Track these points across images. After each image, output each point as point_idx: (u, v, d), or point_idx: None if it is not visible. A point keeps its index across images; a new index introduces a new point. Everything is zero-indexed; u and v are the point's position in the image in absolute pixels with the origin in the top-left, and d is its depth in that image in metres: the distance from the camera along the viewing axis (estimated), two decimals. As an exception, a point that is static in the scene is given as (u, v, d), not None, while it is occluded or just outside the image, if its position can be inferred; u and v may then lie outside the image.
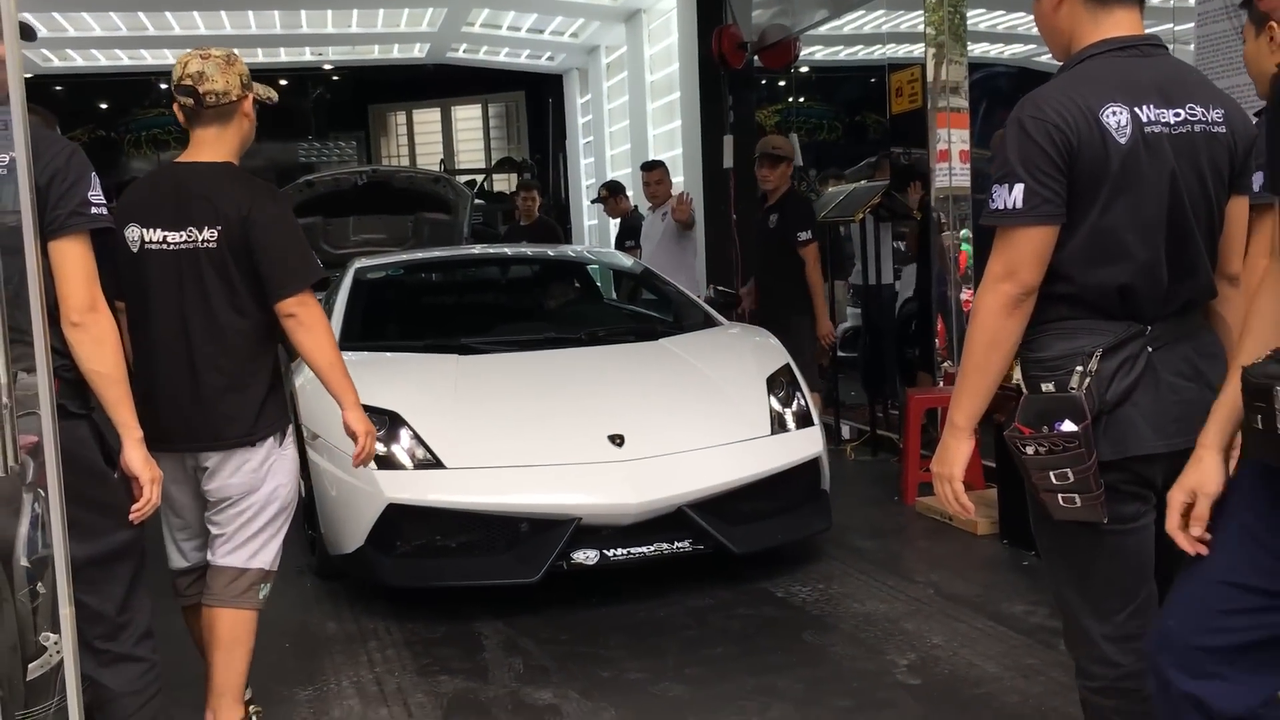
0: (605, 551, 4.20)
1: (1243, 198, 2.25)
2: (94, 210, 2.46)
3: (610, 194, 9.13)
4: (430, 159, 17.28)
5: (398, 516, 4.18)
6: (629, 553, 4.22)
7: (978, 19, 9.08)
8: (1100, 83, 2.19)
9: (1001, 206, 2.17)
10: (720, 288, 6.12)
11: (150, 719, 2.70)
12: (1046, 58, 10.38)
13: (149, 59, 13.08)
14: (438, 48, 13.28)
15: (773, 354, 5.04)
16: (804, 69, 11.79)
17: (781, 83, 12.04)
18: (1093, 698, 2.32)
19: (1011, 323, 2.18)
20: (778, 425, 4.62)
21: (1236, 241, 2.29)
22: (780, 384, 4.78)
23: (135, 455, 2.59)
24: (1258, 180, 2.07)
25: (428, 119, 17.96)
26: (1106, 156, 2.15)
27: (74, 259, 2.44)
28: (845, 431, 7.12)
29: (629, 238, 8.65)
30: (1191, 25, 4.80)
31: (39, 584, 2.70)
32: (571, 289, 6.67)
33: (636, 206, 9.35)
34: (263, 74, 3.37)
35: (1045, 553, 2.37)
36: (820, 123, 13.82)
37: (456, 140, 17.88)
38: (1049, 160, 2.15)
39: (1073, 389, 2.15)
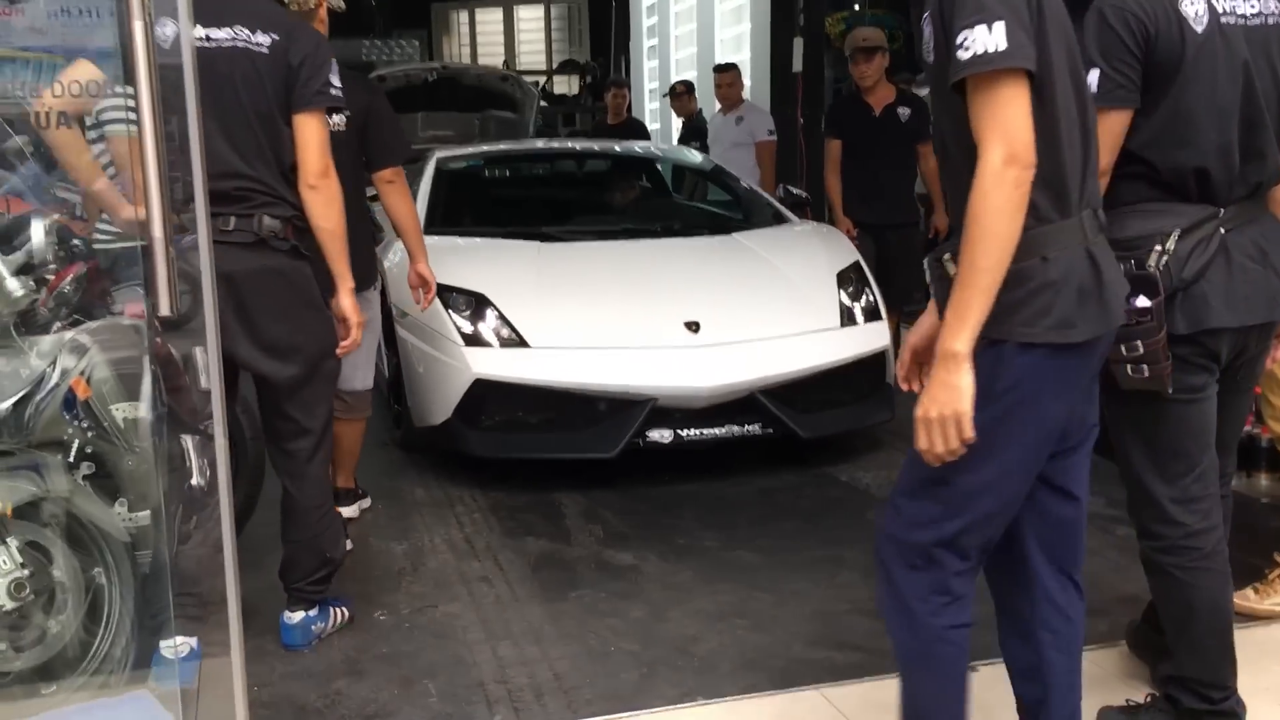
0: (679, 431, 4.41)
1: None
2: (333, 91, 2.91)
3: (686, 90, 9.19)
4: (492, 59, 17.29)
5: (484, 391, 4.41)
6: (701, 433, 4.43)
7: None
8: None
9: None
10: (790, 188, 6.22)
11: (332, 531, 3.15)
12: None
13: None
14: (504, -54, 13.25)
15: (842, 251, 5.18)
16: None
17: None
18: (1156, 556, 2.49)
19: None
20: (846, 318, 4.78)
21: None
22: (849, 279, 4.92)
23: (347, 301, 3.03)
24: None
25: (490, 19, 17.94)
26: (1184, 43, 2.26)
27: (313, 130, 2.87)
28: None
29: (693, 139, 8.74)
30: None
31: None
32: (646, 184, 6.81)
33: (701, 109, 9.44)
34: None
35: (1113, 423, 2.48)
36: (890, 32, 13.66)
37: (518, 41, 17.87)
38: (1124, 48, 2.27)
39: (1150, 267, 2.28)
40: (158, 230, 2.43)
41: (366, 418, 4.08)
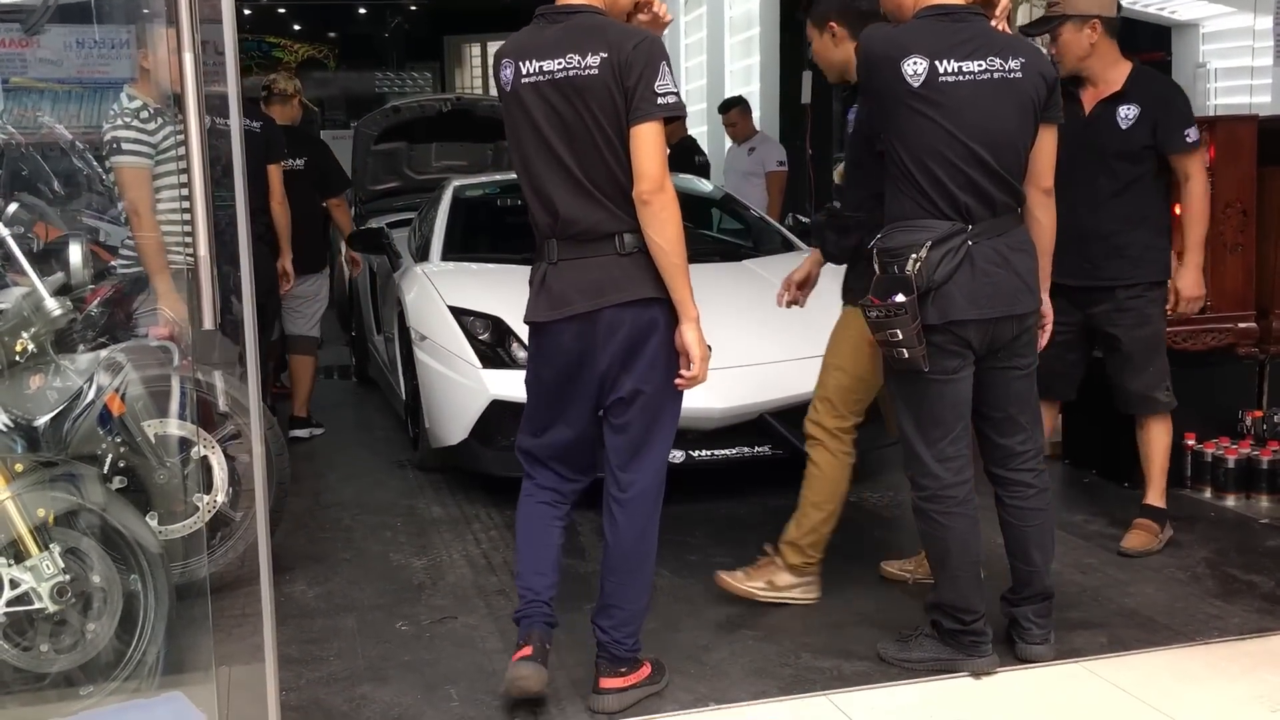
0: (691, 452, 4.52)
1: (1051, 126, 3.00)
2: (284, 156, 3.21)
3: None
4: (504, 91, 17.46)
5: (500, 412, 4.52)
6: (713, 454, 4.54)
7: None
8: (911, 35, 2.91)
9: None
10: (799, 216, 6.35)
11: None
12: (1127, 1, 10.37)
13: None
14: (517, -20, 13.46)
15: (851, 277, 5.29)
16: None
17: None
18: (920, 504, 3.06)
19: None
20: (855, 343, 4.88)
21: (1049, 160, 3.04)
22: (858, 305, 5.03)
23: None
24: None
25: (502, 51, 18.12)
26: (898, 94, 2.88)
27: (275, 174, 2.91)
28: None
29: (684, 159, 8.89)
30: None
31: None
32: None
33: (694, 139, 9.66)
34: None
35: (893, 397, 3.12)
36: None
37: (530, 73, 18.04)
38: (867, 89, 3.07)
39: (907, 272, 2.86)
40: (203, 249, 2.57)
41: (314, 357, 6.06)
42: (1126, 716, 2.83)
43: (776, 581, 3.57)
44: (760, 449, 4.60)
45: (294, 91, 6.07)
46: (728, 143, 8.52)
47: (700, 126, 11.31)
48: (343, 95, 18.45)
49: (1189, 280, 3.91)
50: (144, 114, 3.94)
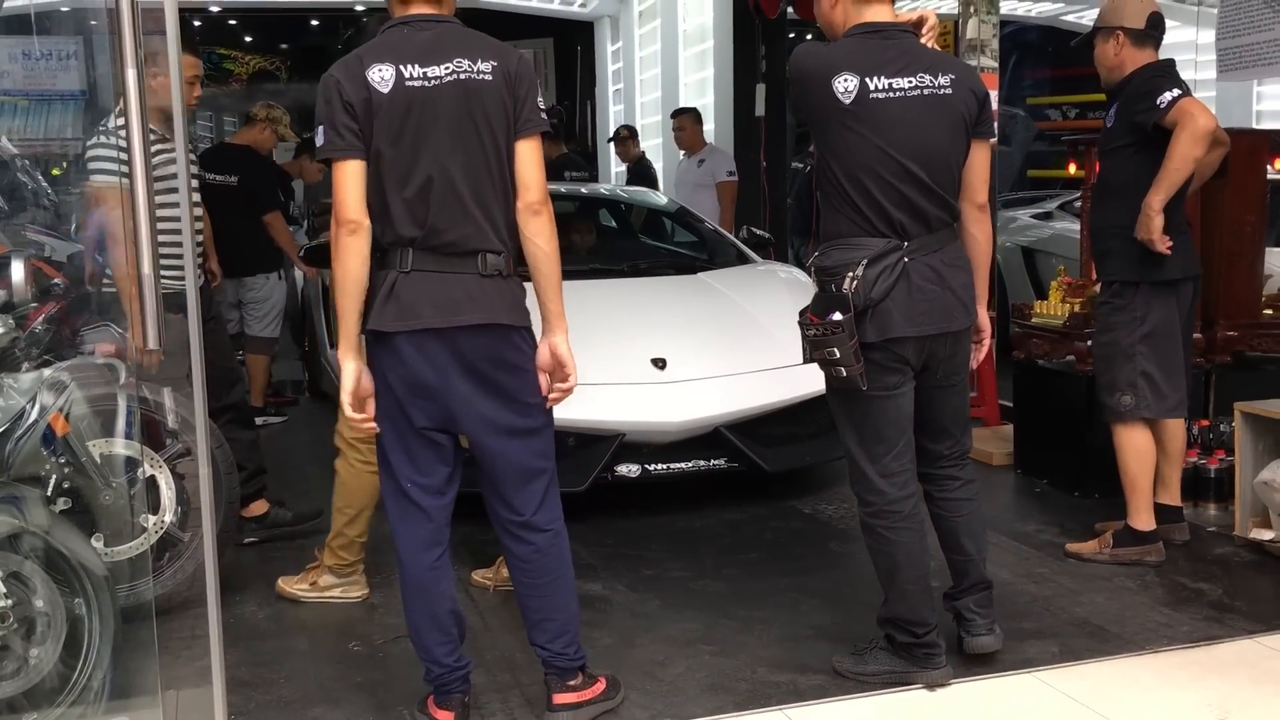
0: (647, 466, 4.51)
1: (983, 141, 3.03)
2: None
3: (630, 135, 9.44)
4: (459, 103, 17.41)
5: (454, 428, 4.49)
6: (669, 468, 4.53)
7: (1008, -24, 9.25)
8: (842, 53, 2.94)
9: None
10: (753, 229, 6.37)
11: None
12: (1073, 16, 10.71)
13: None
14: (470, -9, 13.44)
15: (804, 289, 5.31)
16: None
17: (810, 36, 12.20)
18: (867, 519, 3.06)
19: None
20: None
21: (983, 176, 3.06)
22: (812, 317, 5.05)
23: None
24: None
25: (457, 63, 18.06)
26: (829, 111, 2.91)
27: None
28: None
29: (639, 183, 8.94)
30: None
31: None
32: (611, 226, 6.94)
33: (644, 153, 9.70)
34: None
35: (835, 415, 3.12)
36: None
37: (485, 85, 18.00)
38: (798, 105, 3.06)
39: (844, 290, 2.87)
40: (147, 267, 2.53)
41: (269, 356, 6.55)
42: (1078, 727, 2.86)
43: (319, 583, 3.79)
44: (716, 462, 4.60)
45: (264, 118, 6.43)
46: (679, 157, 8.54)
47: (655, 139, 11.33)
48: (295, 106, 18.24)
49: (1142, 224, 3.75)
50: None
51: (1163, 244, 3.73)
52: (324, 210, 8.31)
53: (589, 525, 4.47)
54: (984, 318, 3.17)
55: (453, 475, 2.83)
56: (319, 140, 2.64)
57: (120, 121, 3.89)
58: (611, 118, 14.12)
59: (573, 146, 13.49)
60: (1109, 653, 3.24)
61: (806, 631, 3.45)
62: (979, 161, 3.04)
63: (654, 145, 11.20)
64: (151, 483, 3.64)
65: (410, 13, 2.71)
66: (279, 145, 6.98)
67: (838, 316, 2.86)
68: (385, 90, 2.61)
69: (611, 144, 10.28)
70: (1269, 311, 4.90)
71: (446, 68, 2.64)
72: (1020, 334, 5.12)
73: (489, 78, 2.65)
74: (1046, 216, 8.12)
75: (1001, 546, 4.19)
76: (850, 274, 2.87)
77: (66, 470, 3.36)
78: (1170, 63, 3.94)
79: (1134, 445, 3.93)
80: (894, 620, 3.08)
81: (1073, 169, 6.17)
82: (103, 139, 3.89)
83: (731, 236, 6.32)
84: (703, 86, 10.51)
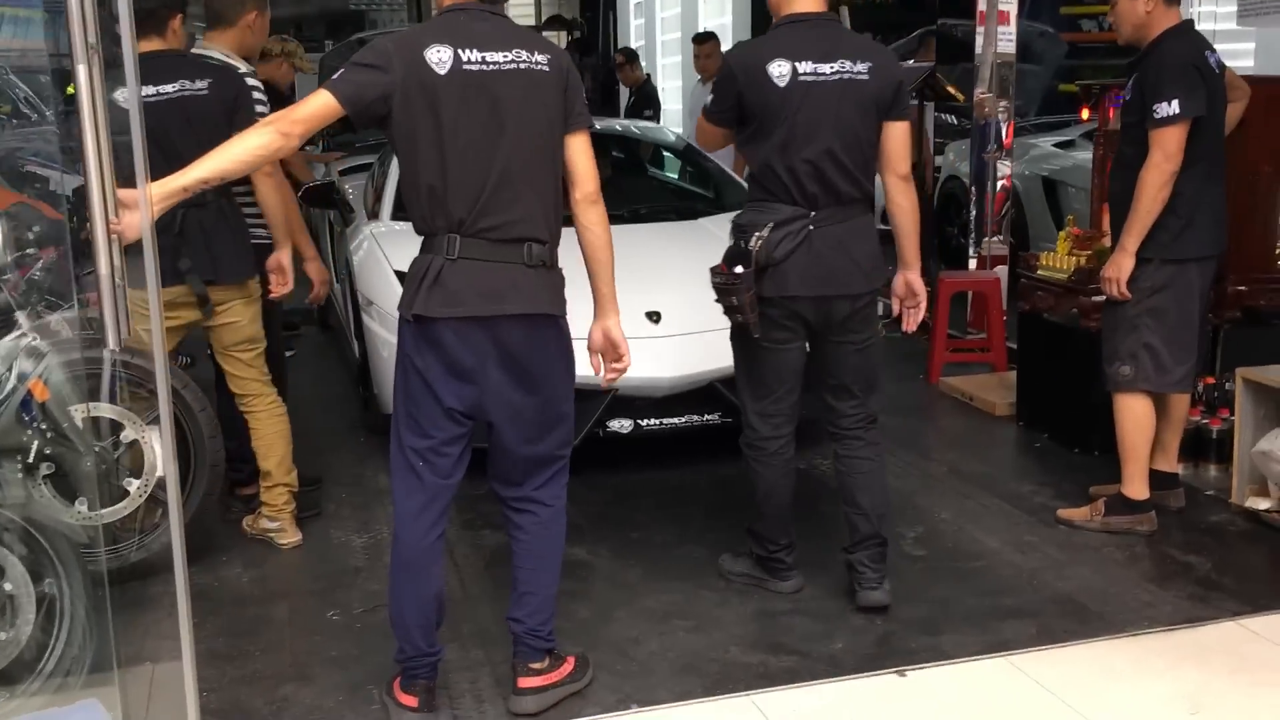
0: (639, 421, 4.48)
1: (899, 121, 3.29)
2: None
3: (626, 60, 9.21)
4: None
5: (445, 381, 4.45)
6: (661, 423, 4.50)
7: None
8: (775, 42, 3.25)
9: None
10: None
11: None
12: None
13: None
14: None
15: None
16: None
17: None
18: (745, 450, 3.50)
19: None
20: (807, 306, 4.82)
21: (901, 151, 3.32)
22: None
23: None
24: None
25: (478, -29, 17.70)
26: (765, 92, 3.19)
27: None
28: (879, 309, 7.29)
29: (645, 106, 8.74)
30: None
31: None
32: (616, 163, 6.80)
33: (649, 77, 9.47)
34: None
35: (733, 354, 3.50)
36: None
37: (507, -4, 17.67)
38: (729, 93, 3.30)
39: (749, 247, 3.20)
40: (103, 267, 2.48)
41: None
42: (1045, 717, 2.83)
43: (257, 525, 3.99)
44: (710, 417, 4.56)
45: (279, 52, 5.86)
46: (695, 79, 8.34)
47: (674, 56, 11.11)
48: (320, 15, 18.07)
49: (1112, 261, 3.78)
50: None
51: (1122, 294, 3.76)
52: (337, 132, 8.19)
53: (578, 481, 4.34)
54: (917, 283, 3.45)
55: (462, 457, 2.86)
56: (336, 74, 2.65)
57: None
58: (632, 31, 13.83)
59: (593, 60, 13.24)
60: (1087, 635, 3.20)
61: (785, 605, 3.44)
62: (896, 137, 3.30)
63: (673, 63, 11.00)
64: (136, 446, 3.64)
65: (466, 1, 2.73)
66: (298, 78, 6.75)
67: (739, 270, 3.22)
68: (442, 72, 2.63)
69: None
70: (1284, 265, 4.75)
71: (506, 56, 2.68)
72: (1026, 286, 5.00)
73: (547, 70, 2.72)
74: (1069, 145, 7.85)
75: (992, 510, 4.15)
76: (757, 234, 3.21)
77: (48, 436, 3.38)
78: (1194, 37, 3.78)
79: (1133, 413, 3.85)
80: (754, 533, 3.56)
81: (1085, 114, 5.97)
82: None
83: (738, 177, 6.19)
84: (722, 3, 10.24)
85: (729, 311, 3.30)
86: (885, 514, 3.43)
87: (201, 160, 2.61)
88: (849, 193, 3.27)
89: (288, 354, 6.55)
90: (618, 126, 7.27)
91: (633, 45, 13.65)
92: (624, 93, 9.86)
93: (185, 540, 2.64)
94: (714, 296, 3.34)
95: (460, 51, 2.64)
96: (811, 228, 3.23)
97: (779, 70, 3.19)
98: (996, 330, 5.91)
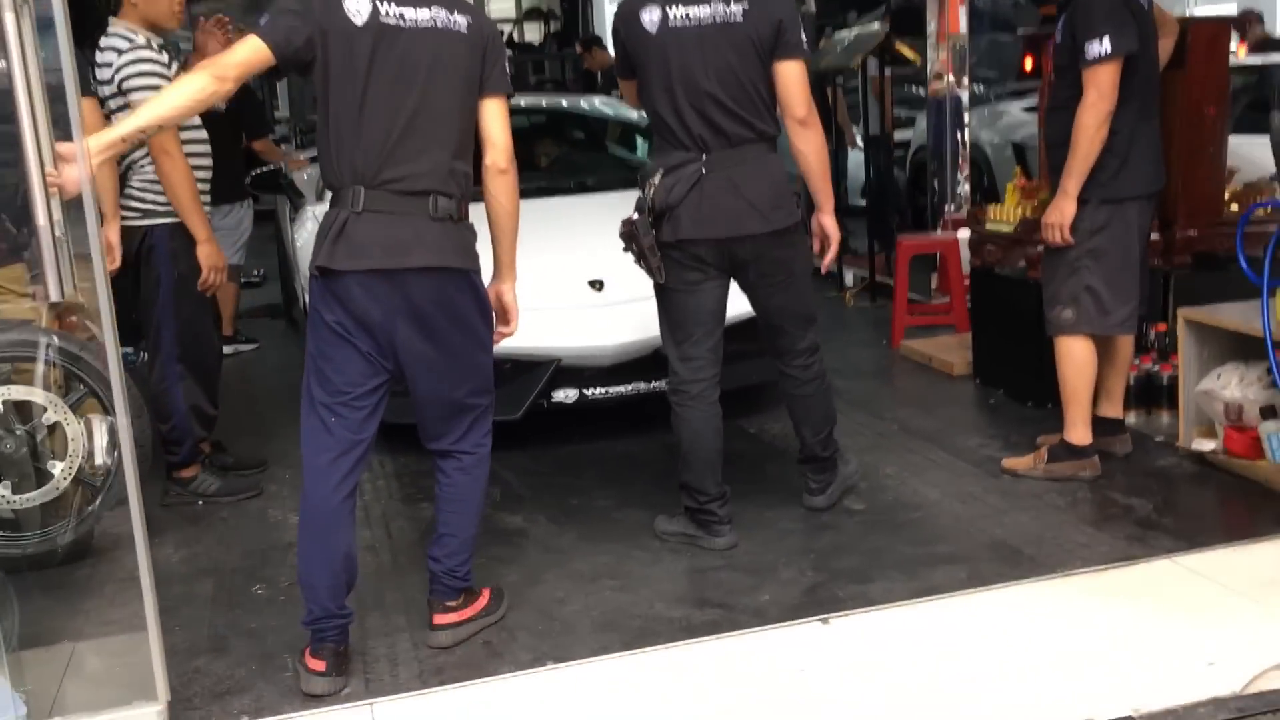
0: (584, 391, 4.43)
1: (790, 61, 3.24)
2: None
3: (585, 49, 9.14)
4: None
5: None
6: (607, 392, 4.45)
7: None
8: None
9: None
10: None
11: None
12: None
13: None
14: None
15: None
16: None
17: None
18: (668, 393, 3.52)
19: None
20: (755, 270, 4.77)
21: (794, 93, 3.26)
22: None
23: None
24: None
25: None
26: (640, 40, 3.27)
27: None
28: (848, 278, 7.25)
29: (614, 87, 8.67)
30: None
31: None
32: (572, 139, 6.76)
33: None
34: None
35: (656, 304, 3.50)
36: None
37: (487, -11, 17.60)
38: (617, 46, 3.43)
39: (644, 194, 3.27)
40: (41, 218, 2.46)
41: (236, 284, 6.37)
42: (967, 658, 2.77)
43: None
44: (657, 384, 4.48)
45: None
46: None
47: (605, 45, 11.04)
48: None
49: (1054, 206, 3.72)
50: (153, 45, 3.88)
51: (1065, 240, 3.70)
52: (311, 128, 8.17)
53: (525, 453, 4.42)
54: (830, 223, 3.44)
55: (375, 412, 2.84)
56: (262, 20, 2.64)
57: (139, 38, 3.82)
58: (609, 21, 13.78)
59: (572, 51, 13.15)
60: (1018, 577, 3.14)
61: (716, 562, 3.39)
62: (789, 79, 3.26)
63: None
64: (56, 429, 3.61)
65: None
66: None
67: (635, 216, 3.28)
68: (359, 23, 2.64)
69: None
70: (1235, 208, 4.67)
71: (424, 13, 2.70)
72: (975, 240, 4.94)
73: (464, 32, 2.74)
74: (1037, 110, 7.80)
75: (937, 463, 4.10)
76: (649, 181, 3.26)
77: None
78: None
79: (1074, 357, 3.79)
80: (684, 485, 3.52)
81: (1029, 63, 5.90)
82: (132, 55, 3.80)
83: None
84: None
85: (635, 258, 3.36)
86: (826, 435, 3.64)
87: (139, 109, 2.65)
88: (739, 134, 3.26)
89: (249, 346, 6.57)
90: (564, 103, 7.22)
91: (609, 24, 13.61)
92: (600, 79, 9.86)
93: (135, 521, 2.66)
94: (622, 247, 3.36)
95: (379, 5, 2.66)
96: (704, 171, 3.24)
97: (650, 17, 3.24)
98: (957, 291, 5.85)
